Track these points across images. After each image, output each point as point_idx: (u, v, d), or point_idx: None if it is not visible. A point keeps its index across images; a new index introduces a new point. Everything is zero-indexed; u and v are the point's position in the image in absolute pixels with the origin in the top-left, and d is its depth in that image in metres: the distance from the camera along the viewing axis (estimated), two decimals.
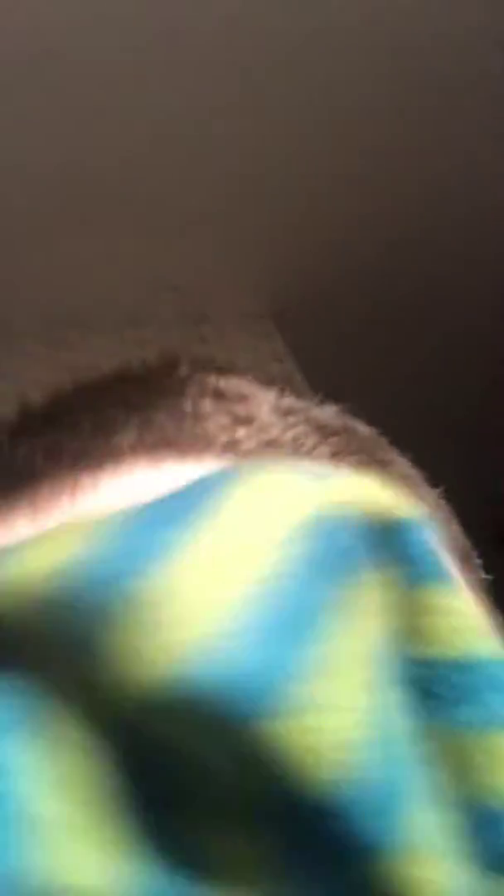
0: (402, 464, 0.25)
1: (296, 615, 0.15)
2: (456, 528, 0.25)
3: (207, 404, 0.23)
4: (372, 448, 0.25)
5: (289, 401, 0.24)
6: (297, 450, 0.23)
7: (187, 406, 0.23)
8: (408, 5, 1.10)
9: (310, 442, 0.23)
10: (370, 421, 0.26)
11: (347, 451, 0.24)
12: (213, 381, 0.24)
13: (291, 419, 0.24)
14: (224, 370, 0.24)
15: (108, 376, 0.24)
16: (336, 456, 0.23)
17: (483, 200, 1.37)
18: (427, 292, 1.45)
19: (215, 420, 0.23)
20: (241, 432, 0.23)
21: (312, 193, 1.30)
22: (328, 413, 0.25)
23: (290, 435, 0.23)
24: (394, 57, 1.16)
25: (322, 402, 0.25)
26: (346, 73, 1.17)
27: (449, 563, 0.19)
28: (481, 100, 1.24)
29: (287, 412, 0.24)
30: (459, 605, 0.16)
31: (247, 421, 0.23)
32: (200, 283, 1.37)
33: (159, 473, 0.21)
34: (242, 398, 0.24)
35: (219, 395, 0.23)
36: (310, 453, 0.23)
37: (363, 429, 0.26)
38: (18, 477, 0.22)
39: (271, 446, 0.22)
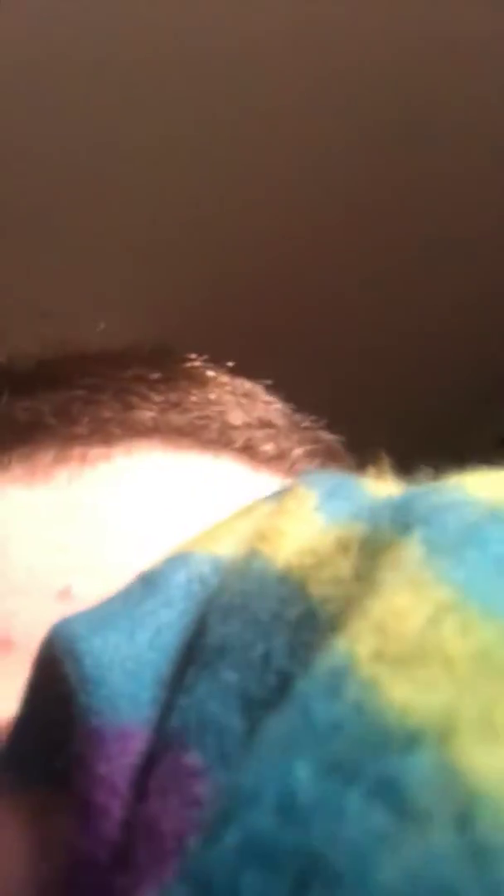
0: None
1: None
2: None
3: (230, 400, 0.23)
4: (336, 456, 0.26)
5: (299, 416, 0.25)
6: (305, 466, 0.23)
7: (212, 396, 0.23)
8: None
9: (312, 464, 0.24)
10: None
11: (325, 465, 0.25)
12: (230, 377, 0.25)
13: (303, 434, 0.24)
14: (233, 370, 0.25)
15: (125, 350, 0.24)
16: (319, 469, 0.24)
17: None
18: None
19: (236, 416, 0.23)
20: (259, 435, 0.23)
21: (194, 214, 1.33)
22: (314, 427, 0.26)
23: (300, 451, 0.24)
24: None
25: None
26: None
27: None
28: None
29: (298, 426, 0.25)
30: None
31: (266, 425, 0.23)
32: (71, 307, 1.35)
33: (177, 461, 0.21)
34: (263, 402, 0.24)
35: (242, 393, 0.24)
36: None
37: (327, 437, 0.27)
38: (14, 434, 0.22)
39: (284, 458, 0.23)
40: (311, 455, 0.24)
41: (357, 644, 0.12)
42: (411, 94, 1.23)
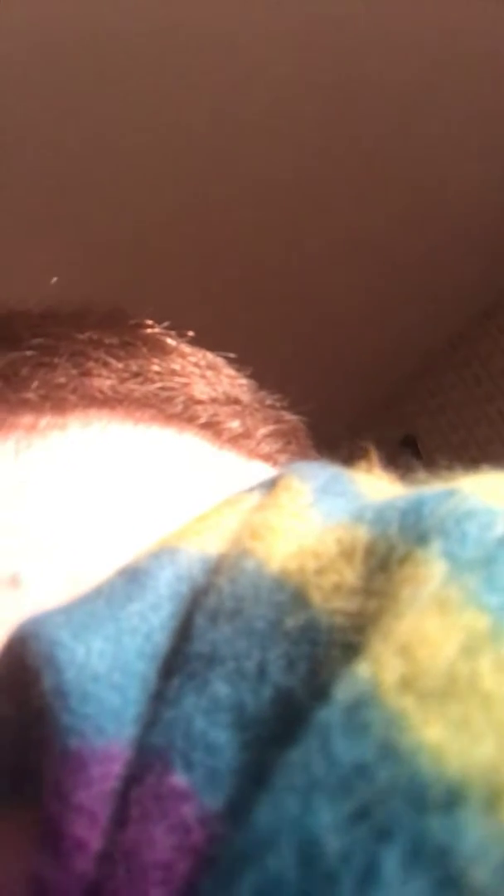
0: (313, 451, 0.26)
1: None
2: None
3: (194, 372, 0.22)
4: (299, 438, 0.25)
5: (263, 393, 0.24)
6: (269, 446, 0.22)
7: (175, 366, 0.21)
8: None
9: (277, 445, 0.22)
10: None
11: (289, 447, 0.23)
12: (191, 347, 0.23)
13: (267, 413, 0.23)
14: (193, 340, 0.23)
15: (79, 310, 0.22)
16: (283, 451, 0.23)
17: None
18: None
19: (201, 389, 0.21)
20: (224, 411, 0.21)
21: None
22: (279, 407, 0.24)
23: (265, 430, 0.22)
24: None
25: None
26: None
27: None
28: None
29: (263, 404, 0.23)
30: None
31: (232, 401, 0.22)
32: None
33: (139, 434, 0.19)
34: (228, 376, 0.23)
35: (206, 366, 0.22)
36: (273, 455, 0.22)
37: (290, 417, 0.25)
38: None
39: (249, 437, 0.22)
40: (275, 435, 0.22)
41: (381, 669, 0.11)
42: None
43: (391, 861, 0.09)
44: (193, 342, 0.23)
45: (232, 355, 0.23)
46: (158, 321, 0.23)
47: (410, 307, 1.98)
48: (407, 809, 0.10)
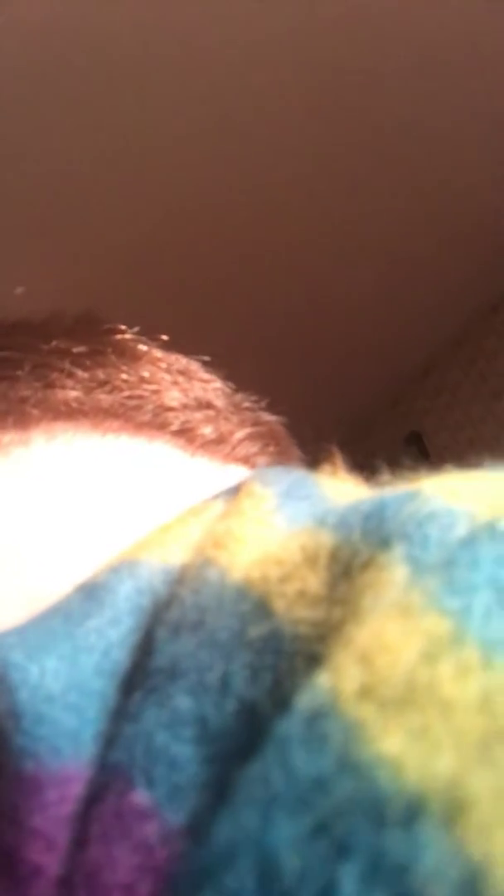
0: (296, 451, 0.25)
1: None
2: None
3: (165, 378, 0.21)
4: (279, 439, 0.24)
5: (240, 396, 0.23)
6: (247, 449, 0.22)
7: (144, 373, 0.21)
8: None
9: (254, 448, 0.22)
10: None
11: (267, 449, 0.23)
12: (164, 352, 0.22)
13: (244, 416, 0.22)
14: (167, 344, 0.23)
15: (45, 319, 0.22)
16: (261, 454, 0.23)
17: None
18: None
19: (172, 396, 0.21)
20: (197, 416, 0.21)
21: None
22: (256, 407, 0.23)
23: (241, 434, 0.22)
24: None
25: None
26: None
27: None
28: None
29: (239, 407, 0.23)
30: None
31: (205, 406, 0.21)
32: None
33: (106, 445, 0.19)
34: (200, 380, 0.22)
35: (178, 371, 0.22)
36: (251, 457, 0.22)
37: (269, 418, 0.25)
38: None
39: (224, 442, 0.21)
40: (252, 438, 0.22)
41: (340, 679, 0.11)
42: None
43: (349, 879, 0.09)
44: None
45: (206, 358, 0.23)
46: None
47: (416, 304, 1.97)
48: (365, 825, 0.09)
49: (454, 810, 0.09)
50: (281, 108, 1.35)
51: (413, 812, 0.09)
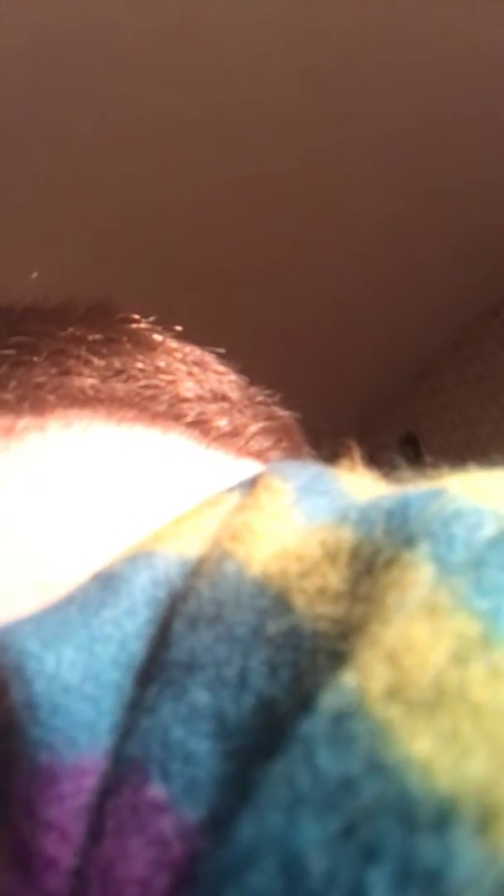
0: (307, 447, 0.25)
1: None
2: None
3: (181, 369, 0.21)
4: (292, 434, 0.24)
5: (254, 389, 0.23)
6: (260, 444, 0.21)
7: (160, 363, 0.20)
8: None
9: (268, 442, 0.22)
10: None
11: (280, 444, 0.23)
12: (177, 342, 0.22)
13: (258, 410, 0.22)
14: (181, 335, 0.23)
15: (61, 306, 0.21)
16: (274, 448, 0.22)
17: None
18: None
19: (187, 387, 0.20)
20: (212, 409, 0.21)
21: None
22: (270, 402, 0.23)
23: (255, 427, 0.21)
24: None
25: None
26: None
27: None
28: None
29: (252, 400, 0.22)
30: None
31: (220, 398, 0.21)
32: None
33: (120, 435, 0.19)
34: (216, 372, 0.22)
35: (193, 362, 0.21)
36: (264, 452, 0.21)
37: (282, 413, 0.25)
38: None
39: (238, 435, 0.21)
40: (266, 432, 0.22)
41: (367, 678, 0.10)
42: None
43: (379, 883, 0.09)
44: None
45: (221, 350, 0.23)
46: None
47: (413, 305, 1.97)
48: (395, 828, 0.09)
49: (488, 816, 0.09)
50: (280, 109, 1.35)
51: (445, 816, 0.09)
